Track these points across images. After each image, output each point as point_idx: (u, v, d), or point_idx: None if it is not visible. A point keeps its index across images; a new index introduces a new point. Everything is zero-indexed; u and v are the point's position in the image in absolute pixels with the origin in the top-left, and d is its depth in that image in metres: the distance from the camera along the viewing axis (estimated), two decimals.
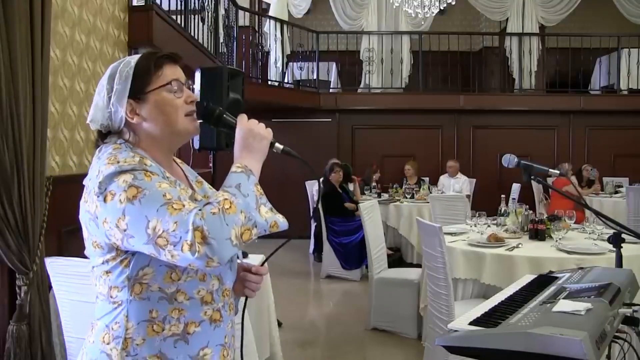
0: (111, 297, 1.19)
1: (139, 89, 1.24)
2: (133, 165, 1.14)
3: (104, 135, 1.28)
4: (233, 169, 1.21)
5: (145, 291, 1.17)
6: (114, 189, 1.11)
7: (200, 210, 1.09)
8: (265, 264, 1.41)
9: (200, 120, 1.30)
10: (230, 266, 1.29)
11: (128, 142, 1.25)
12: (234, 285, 1.35)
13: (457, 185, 7.53)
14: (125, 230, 1.10)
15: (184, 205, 1.10)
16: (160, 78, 1.25)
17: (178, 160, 1.39)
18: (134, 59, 1.27)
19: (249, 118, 1.29)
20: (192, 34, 5.06)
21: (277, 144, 1.28)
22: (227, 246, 1.08)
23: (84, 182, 1.22)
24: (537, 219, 3.66)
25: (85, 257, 1.27)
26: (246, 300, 1.39)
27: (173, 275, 1.18)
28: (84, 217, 1.20)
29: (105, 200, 1.12)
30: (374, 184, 7.70)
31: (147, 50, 1.32)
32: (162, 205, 1.09)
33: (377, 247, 4.53)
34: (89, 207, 1.16)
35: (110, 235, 1.13)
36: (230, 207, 1.11)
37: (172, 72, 1.27)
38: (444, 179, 7.86)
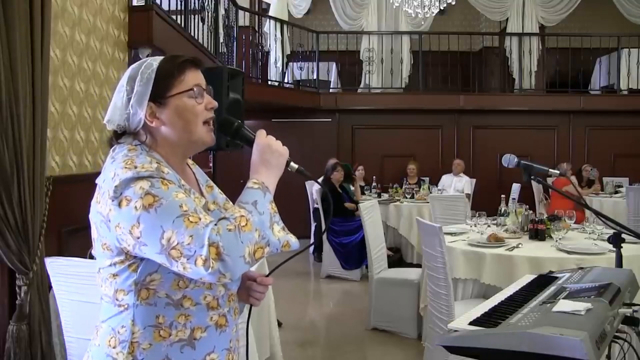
0: (117, 300, 1.19)
1: (160, 92, 1.23)
2: (151, 172, 1.13)
3: (119, 135, 1.27)
4: (250, 184, 1.22)
5: (152, 297, 1.17)
6: (129, 194, 1.10)
7: (216, 225, 1.10)
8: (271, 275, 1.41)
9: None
10: None
11: (144, 144, 1.24)
12: (239, 292, 1.35)
13: (459, 184, 7.56)
14: (138, 238, 1.10)
15: (200, 219, 1.10)
16: (183, 83, 1.24)
17: (190, 162, 1.39)
18: (156, 61, 1.26)
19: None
20: (192, 34, 5.06)
21: (292, 163, 1.30)
22: (240, 263, 1.09)
23: (96, 181, 1.21)
24: (537, 219, 3.66)
25: (85, 257, 1.27)
26: (251, 308, 1.39)
27: (180, 282, 1.17)
28: (95, 217, 1.19)
29: (120, 205, 1.11)
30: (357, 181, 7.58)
31: (170, 54, 1.30)
32: (179, 217, 1.08)
33: (377, 247, 4.53)
34: (101, 208, 1.15)
35: (122, 240, 1.13)
36: (246, 224, 1.11)
37: (194, 78, 1.26)
38: (446, 177, 7.89)
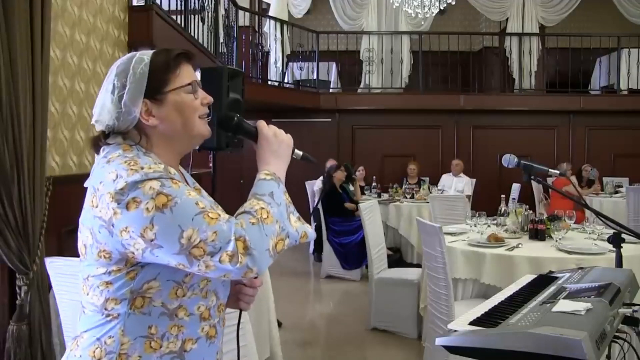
0: (106, 309, 1.11)
1: (156, 88, 1.16)
2: (160, 172, 1.07)
3: (107, 135, 1.19)
4: (262, 176, 1.19)
5: (146, 305, 1.11)
6: (139, 196, 1.04)
7: (237, 219, 1.07)
8: (260, 276, 1.38)
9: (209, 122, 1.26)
10: (223, 281, 1.24)
11: (139, 145, 1.16)
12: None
13: (459, 184, 7.56)
14: (152, 241, 1.03)
15: (219, 214, 1.06)
16: (179, 77, 1.18)
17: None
18: (146, 55, 1.18)
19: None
20: (192, 34, 5.06)
21: (296, 150, 1.29)
22: (266, 257, 1.07)
23: (86, 184, 1.15)
24: (537, 219, 3.66)
25: None
26: (240, 313, 1.35)
27: (179, 291, 1.13)
28: (91, 222, 1.10)
29: (127, 207, 1.04)
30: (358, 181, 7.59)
31: (161, 47, 1.25)
32: (198, 214, 1.04)
33: (377, 247, 4.53)
34: (101, 213, 1.07)
35: (129, 245, 1.06)
36: (267, 217, 1.09)
37: (188, 72, 1.21)
38: (446, 177, 7.90)
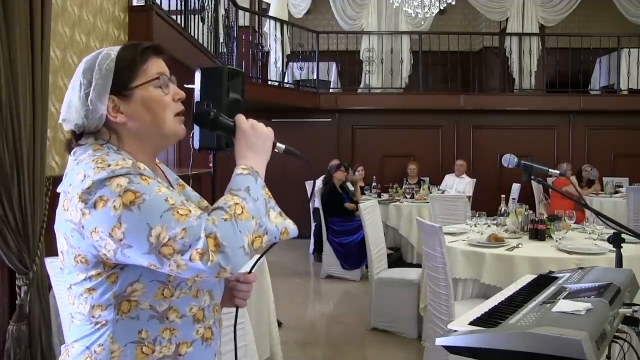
0: (93, 317, 1.08)
1: (123, 83, 1.12)
2: (127, 168, 1.03)
3: (78, 136, 1.15)
4: (238, 170, 1.12)
5: (134, 309, 1.07)
6: (105, 194, 1.00)
7: (209, 215, 1.02)
8: (253, 270, 1.33)
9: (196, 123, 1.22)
10: (219, 280, 1.20)
11: (109, 143, 1.12)
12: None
13: (460, 185, 7.58)
14: (121, 240, 0.99)
15: (190, 211, 1.01)
16: (147, 72, 1.14)
17: (157, 161, 1.28)
18: (113, 50, 1.15)
19: (248, 118, 1.26)
20: (192, 34, 5.06)
21: (278, 144, 1.23)
22: (241, 254, 1.01)
23: (58, 190, 1.11)
24: (537, 219, 3.66)
25: None
26: (237, 310, 1.33)
27: (165, 291, 1.08)
28: (63, 227, 1.07)
29: (95, 206, 1.00)
30: (358, 181, 7.56)
31: (129, 42, 1.22)
32: (167, 211, 0.99)
33: (377, 247, 4.53)
34: (71, 216, 1.04)
35: (100, 247, 1.02)
36: (242, 212, 1.03)
37: (157, 66, 1.17)
38: (448, 177, 7.93)
